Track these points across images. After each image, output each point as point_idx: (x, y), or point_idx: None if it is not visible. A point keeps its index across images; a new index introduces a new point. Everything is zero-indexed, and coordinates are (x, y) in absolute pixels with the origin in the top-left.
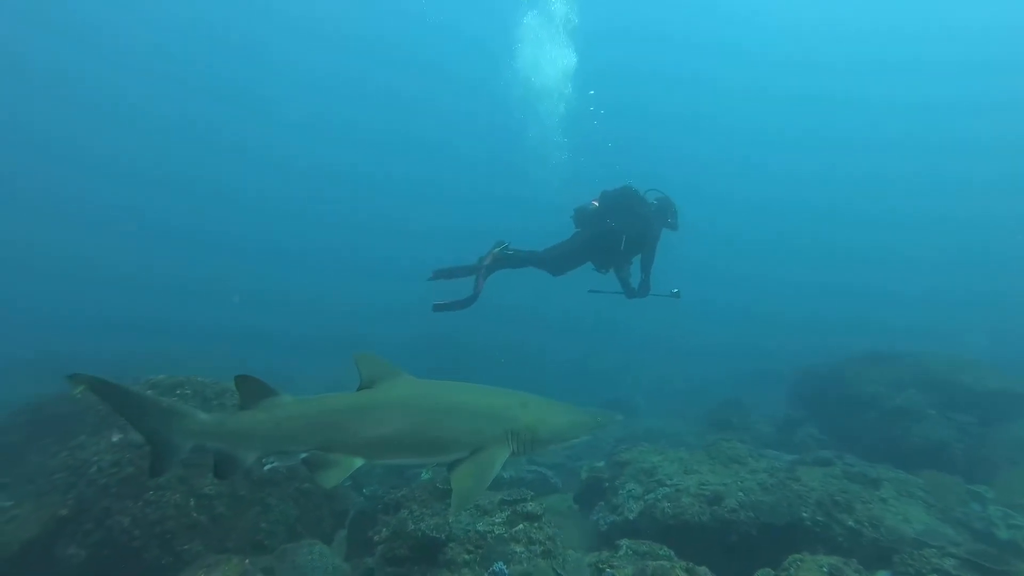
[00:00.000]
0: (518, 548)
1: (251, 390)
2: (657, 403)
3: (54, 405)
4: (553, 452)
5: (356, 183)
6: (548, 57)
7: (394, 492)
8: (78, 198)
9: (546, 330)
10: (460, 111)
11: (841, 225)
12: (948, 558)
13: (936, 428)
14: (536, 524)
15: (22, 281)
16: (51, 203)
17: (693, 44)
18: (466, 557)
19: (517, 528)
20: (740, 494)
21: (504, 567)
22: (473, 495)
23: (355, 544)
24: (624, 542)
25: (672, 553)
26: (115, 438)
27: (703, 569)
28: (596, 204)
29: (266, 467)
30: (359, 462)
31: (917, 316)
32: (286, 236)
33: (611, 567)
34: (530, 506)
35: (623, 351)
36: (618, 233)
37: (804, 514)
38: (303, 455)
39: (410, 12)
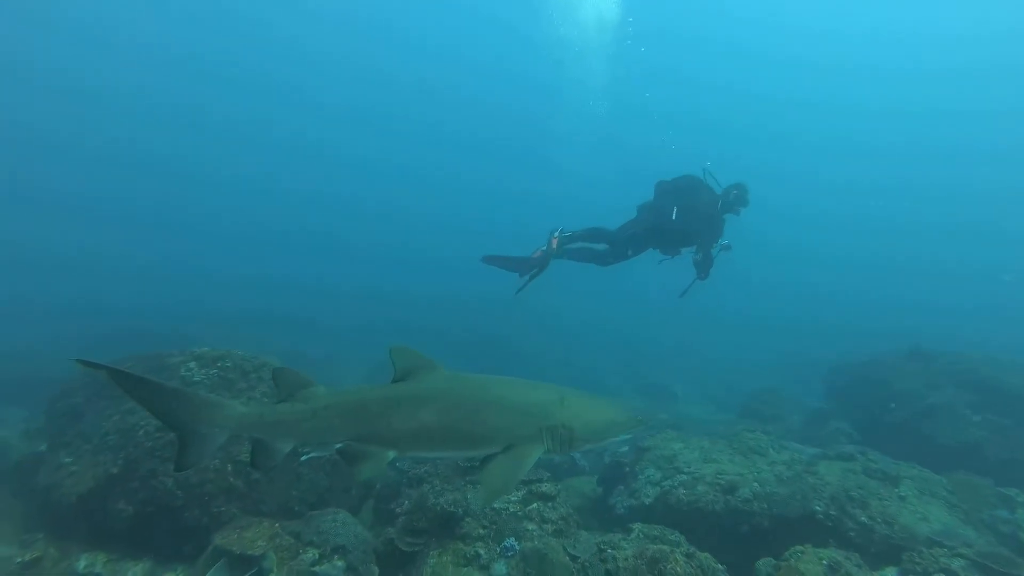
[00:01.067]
0: (531, 526)
1: (288, 382)
2: (694, 390)
3: None
4: (591, 451)
5: (408, 178)
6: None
7: (418, 467)
8: (147, 203)
9: (587, 318)
10: (503, 103)
11: (890, 234)
12: (957, 559)
13: (969, 428)
14: (550, 504)
15: (99, 277)
16: (121, 207)
17: (724, 49)
18: (481, 532)
19: (531, 507)
20: (755, 484)
21: (515, 543)
22: (502, 492)
23: (380, 514)
24: (637, 526)
25: (682, 539)
26: None
27: (705, 555)
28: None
29: (303, 458)
30: (392, 454)
31: (968, 322)
32: (339, 229)
33: (612, 548)
34: (545, 487)
35: (667, 339)
36: (669, 210)
37: (817, 507)
38: (338, 446)
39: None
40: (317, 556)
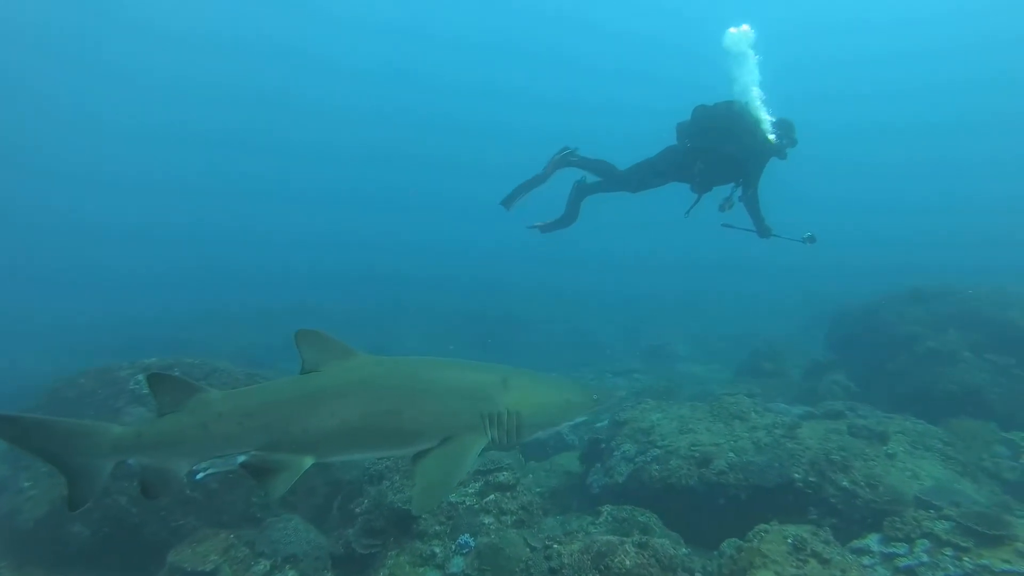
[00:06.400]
0: (488, 519)
1: (169, 390)
2: (698, 348)
3: (66, 389)
4: (542, 437)
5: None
6: None
7: (379, 463)
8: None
9: (588, 277)
10: None
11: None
12: (941, 521)
13: (971, 372)
14: (509, 494)
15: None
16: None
17: None
18: (437, 529)
19: (488, 499)
20: (731, 455)
21: (470, 539)
22: (441, 493)
23: (345, 514)
24: (606, 508)
25: (653, 519)
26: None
27: (661, 542)
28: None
29: (198, 476)
30: (308, 461)
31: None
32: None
33: (557, 543)
34: (503, 476)
35: (672, 297)
36: (694, 155)
37: (796, 475)
38: (241, 458)
39: None
40: (269, 567)
